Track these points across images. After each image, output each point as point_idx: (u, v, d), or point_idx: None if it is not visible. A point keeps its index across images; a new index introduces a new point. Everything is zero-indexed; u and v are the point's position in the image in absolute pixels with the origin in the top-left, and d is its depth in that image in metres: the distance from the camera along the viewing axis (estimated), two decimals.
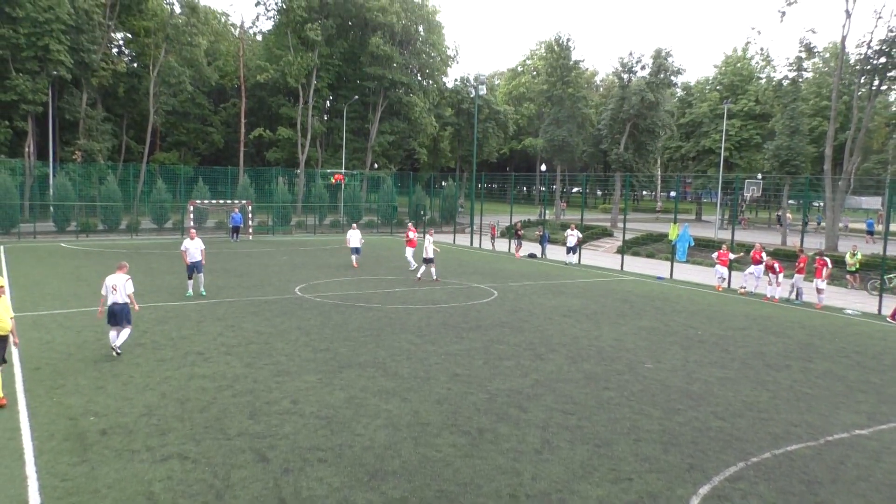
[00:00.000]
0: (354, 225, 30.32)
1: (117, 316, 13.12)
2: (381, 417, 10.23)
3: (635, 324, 18.20)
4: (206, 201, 43.32)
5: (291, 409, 10.47)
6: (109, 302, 13.05)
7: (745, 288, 24.88)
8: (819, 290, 22.52)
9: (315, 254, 32.45)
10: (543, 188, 74.25)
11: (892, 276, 26.48)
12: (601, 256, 37.54)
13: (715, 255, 26.61)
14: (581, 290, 24.35)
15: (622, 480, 8.35)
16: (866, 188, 57.01)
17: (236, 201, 43.31)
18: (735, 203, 32.51)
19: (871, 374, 13.90)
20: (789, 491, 8.25)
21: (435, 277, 25.39)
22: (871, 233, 47.88)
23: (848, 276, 28.66)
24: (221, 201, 43.54)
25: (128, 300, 13.20)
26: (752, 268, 24.80)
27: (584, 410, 10.89)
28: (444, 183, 59.00)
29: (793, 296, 23.54)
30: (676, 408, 11.20)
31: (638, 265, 32.84)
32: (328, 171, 53.80)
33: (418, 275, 25.54)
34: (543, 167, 64.21)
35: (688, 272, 30.31)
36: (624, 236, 33.53)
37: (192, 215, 41.49)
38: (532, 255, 36.12)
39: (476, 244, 41.62)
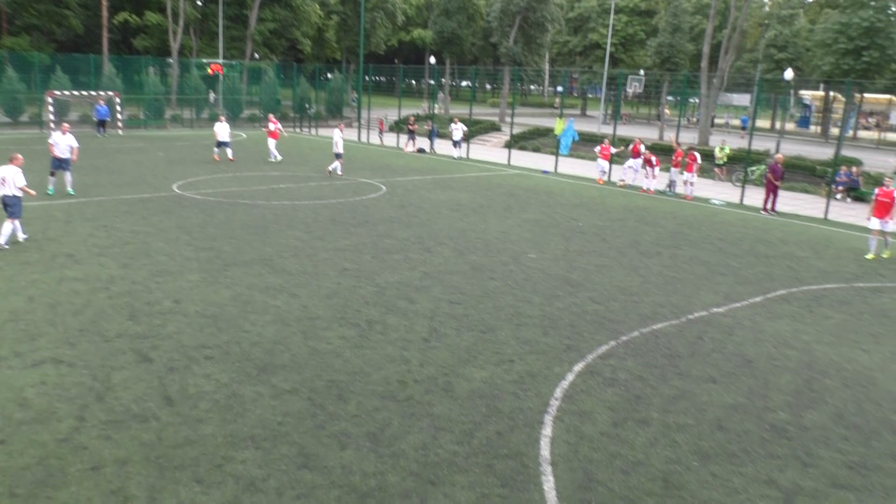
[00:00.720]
0: (222, 117, 29.33)
1: (8, 208, 13.35)
2: (270, 313, 10.19)
3: (520, 216, 18.76)
4: (66, 92, 39.74)
5: (174, 309, 10.23)
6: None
7: (623, 181, 26.03)
8: (689, 183, 23.91)
9: (193, 149, 30.86)
10: (433, 81, 73.19)
11: (754, 168, 28.48)
12: (489, 151, 37.93)
13: (597, 149, 27.50)
14: (469, 184, 24.65)
15: (505, 362, 8.83)
16: (737, 86, 59.93)
17: (101, 93, 40.01)
18: (618, 98, 33.37)
19: (731, 259, 15.14)
20: (654, 364, 9.04)
21: (340, 173, 25.24)
22: (745, 129, 50.93)
23: (716, 169, 30.55)
24: (84, 93, 40.10)
25: (18, 192, 13.30)
26: (630, 161, 25.89)
27: (470, 300, 11.29)
28: (329, 75, 56.80)
29: (667, 188, 24.90)
30: (556, 294, 11.82)
31: (524, 159, 33.49)
32: (204, 60, 50.38)
33: (329, 169, 25.33)
34: (433, 60, 62.97)
35: (572, 166, 31.26)
36: (511, 130, 33.91)
37: (51, 108, 38.09)
38: (421, 150, 35.94)
39: (364, 139, 40.90)
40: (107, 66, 45.89)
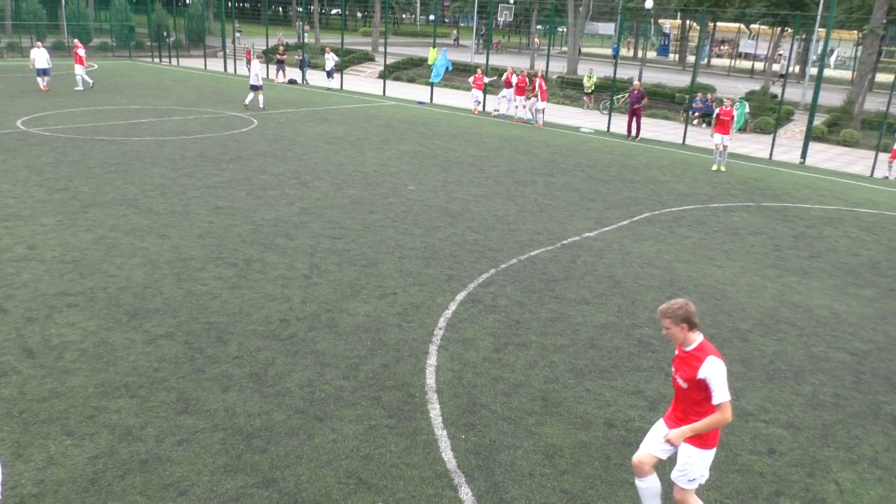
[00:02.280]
0: (39, 43, 27.50)
1: None
2: (138, 256, 9.62)
3: (398, 148, 18.58)
4: None
5: (29, 256, 9.41)
6: None
7: (497, 111, 26.28)
8: (538, 111, 24.35)
9: (33, 82, 28.03)
10: (301, 8, 69.92)
11: (619, 96, 29.53)
12: (363, 82, 37.02)
13: (471, 79, 27.46)
14: (344, 116, 24.05)
15: (388, 295, 8.84)
16: (602, 14, 61.41)
17: None
18: (489, 28, 33.30)
19: (600, 185, 15.78)
20: (531, 290, 9.36)
21: (262, 106, 24.28)
22: (616, 57, 52.17)
23: (585, 98, 31.45)
24: None
25: None
26: (504, 91, 26.10)
27: (350, 234, 11.15)
28: (188, 0, 52.82)
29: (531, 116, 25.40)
30: (437, 225, 11.90)
31: (400, 90, 32.99)
32: None
33: (246, 102, 24.34)
34: None
35: (447, 97, 31.15)
36: (385, 61, 33.17)
37: None
38: (293, 81, 34.52)
39: (231, 70, 38.70)
40: None
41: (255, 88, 24.64)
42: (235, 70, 38.14)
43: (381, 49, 39.71)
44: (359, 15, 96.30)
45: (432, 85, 30.07)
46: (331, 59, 31.61)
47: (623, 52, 52.84)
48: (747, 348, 8.12)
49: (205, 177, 14.34)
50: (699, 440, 4.56)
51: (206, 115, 22.53)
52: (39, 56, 26.40)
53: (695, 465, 4.61)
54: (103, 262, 9.35)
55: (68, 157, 15.47)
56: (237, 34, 52.22)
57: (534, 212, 13.15)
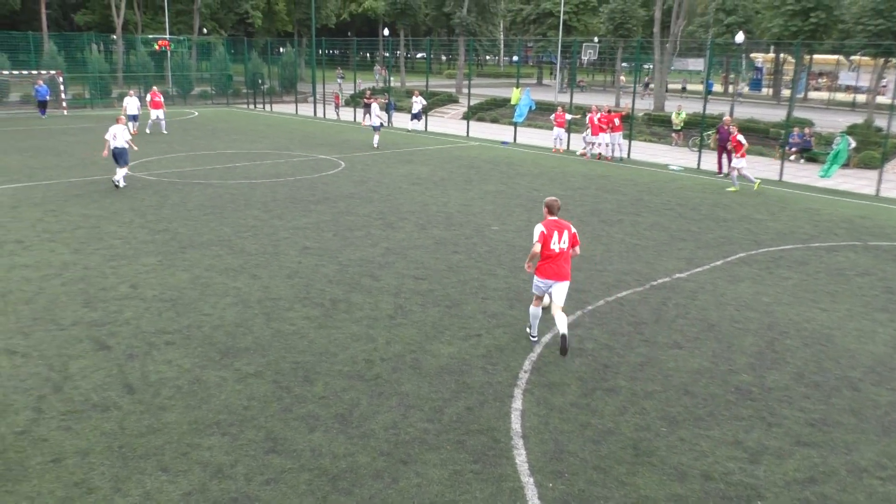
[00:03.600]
0: (132, 91, 30.05)
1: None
2: (230, 296, 9.98)
3: (482, 188, 18.69)
4: (5, 72, 38.13)
5: (131, 294, 9.94)
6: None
7: (586, 150, 26.05)
8: (610, 145, 24.21)
9: (143, 128, 29.96)
10: (387, 54, 72.13)
11: (709, 132, 28.74)
12: (447, 123, 37.67)
13: (552, 116, 27.44)
14: (429, 157, 24.47)
15: (472, 337, 8.80)
16: (690, 50, 60.47)
17: (42, 72, 38.46)
18: (573, 66, 33.37)
19: (691, 224, 15.33)
20: (620, 332, 9.10)
21: (375, 143, 26.28)
22: (710, 93, 50.85)
23: (673, 135, 30.83)
24: (25, 72, 38.50)
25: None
26: (588, 131, 25.91)
27: (434, 275, 11.22)
28: (282, 49, 55.57)
29: (617, 153, 25.03)
30: (521, 266, 11.81)
31: (483, 130, 33.35)
32: (150, 36, 48.79)
33: (374, 144, 26.47)
34: (386, 32, 62.04)
35: (531, 136, 31.24)
36: (469, 102, 33.66)
37: None
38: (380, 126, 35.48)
39: (320, 114, 40.23)
40: (47, 43, 44.12)
41: (376, 129, 26.58)
42: (325, 114, 39.59)
43: (465, 90, 40.40)
44: (443, 58, 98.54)
45: (516, 125, 30.25)
46: (418, 102, 32.30)
47: (714, 87, 51.75)
48: (858, 398, 7.59)
49: (294, 218, 14.83)
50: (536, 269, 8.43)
51: (296, 158, 23.43)
52: (131, 104, 28.48)
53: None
54: (198, 301, 9.75)
55: (169, 199, 16.37)
56: (339, 80, 54.36)
57: (621, 252, 12.89)
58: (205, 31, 60.78)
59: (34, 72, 38.57)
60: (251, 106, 45.51)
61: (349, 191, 17.92)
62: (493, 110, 40.36)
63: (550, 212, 8.47)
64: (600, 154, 24.88)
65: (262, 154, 24.15)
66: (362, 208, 15.91)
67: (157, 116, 29.62)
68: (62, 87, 38.70)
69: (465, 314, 9.54)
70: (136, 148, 19.66)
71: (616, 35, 49.57)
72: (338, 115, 39.28)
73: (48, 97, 36.45)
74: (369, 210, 15.75)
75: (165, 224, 14.07)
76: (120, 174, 17.49)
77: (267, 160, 22.80)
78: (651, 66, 55.77)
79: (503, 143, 29.19)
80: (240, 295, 10.05)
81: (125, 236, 13.10)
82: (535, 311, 8.66)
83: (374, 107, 27.43)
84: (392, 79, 43.00)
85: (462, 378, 7.70)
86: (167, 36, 48.61)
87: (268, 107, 44.29)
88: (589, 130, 25.68)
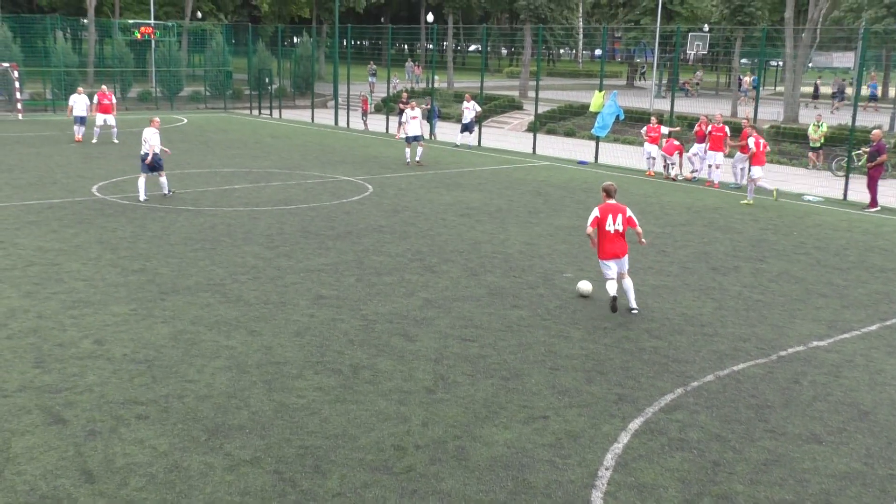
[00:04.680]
0: (80, 89, 31.25)
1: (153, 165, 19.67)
2: (222, 357, 10.14)
3: (551, 222, 18.71)
4: None
5: (95, 352, 10.18)
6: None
7: (695, 172, 25.91)
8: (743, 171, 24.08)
9: (118, 138, 30.97)
10: (431, 46, 73.47)
11: (858, 152, 27.97)
12: (507, 136, 37.99)
13: (643, 129, 27.43)
14: (482, 180, 24.64)
15: (536, 419, 8.74)
16: (834, 41, 59.98)
17: None
18: (676, 64, 33.42)
19: (834, 274, 15.04)
20: (735, 419, 8.93)
21: (418, 159, 27.22)
22: (874, 98, 50.02)
23: (811, 154, 30.35)
24: None
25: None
26: (695, 147, 25.84)
27: (487, 335, 11.22)
28: (296, 39, 57.11)
29: (742, 180, 24.81)
30: (602, 326, 11.73)
31: (555, 146, 33.53)
32: (130, 21, 50.74)
33: (412, 159, 27.37)
34: (430, 17, 63.31)
35: (618, 154, 31.28)
36: (536, 109, 33.96)
37: None
38: (417, 137, 35.93)
39: (342, 123, 41.04)
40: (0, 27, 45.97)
41: (411, 141, 27.23)
42: (348, 123, 40.35)
43: (532, 94, 40.78)
44: (503, 52, 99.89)
45: (597, 139, 30.35)
46: (470, 110, 32.64)
47: (867, 90, 51.02)
48: None
49: (306, 257, 15.05)
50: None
51: (310, 179, 23.86)
52: (79, 103, 29.79)
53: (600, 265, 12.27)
54: (181, 364, 9.92)
55: (147, 230, 16.80)
56: (371, 78, 55.21)
57: (737, 310, 12.72)
58: (199, 15, 62.95)
59: None
60: (255, 112, 46.71)
61: (378, 223, 18.14)
62: (567, 120, 40.62)
63: (608, 195, 12.26)
64: (712, 180, 24.75)
65: (268, 174, 24.65)
66: (395, 246, 16.07)
67: (106, 121, 30.69)
68: (17, 84, 40.17)
69: (528, 389, 9.49)
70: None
71: (733, 22, 49.60)
72: (365, 124, 40.01)
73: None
74: (403, 249, 15.90)
75: (142, 262, 14.42)
76: (162, 183, 20.24)
77: (273, 181, 23.26)
78: (780, 63, 55.20)
79: (580, 162, 29.26)
80: (234, 357, 10.18)
81: (90, 277, 13.46)
82: (611, 284, 12.16)
83: (409, 112, 27.95)
84: (437, 78, 43.60)
85: (522, 474, 7.64)
86: (151, 21, 50.46)
87: (276, 113, 45.39)
88: (697, 147, 25.58)
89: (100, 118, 30.64)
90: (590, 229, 12.06)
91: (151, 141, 19.58)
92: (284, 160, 27.67)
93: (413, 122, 27.80)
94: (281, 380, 9.54)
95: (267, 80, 47.51)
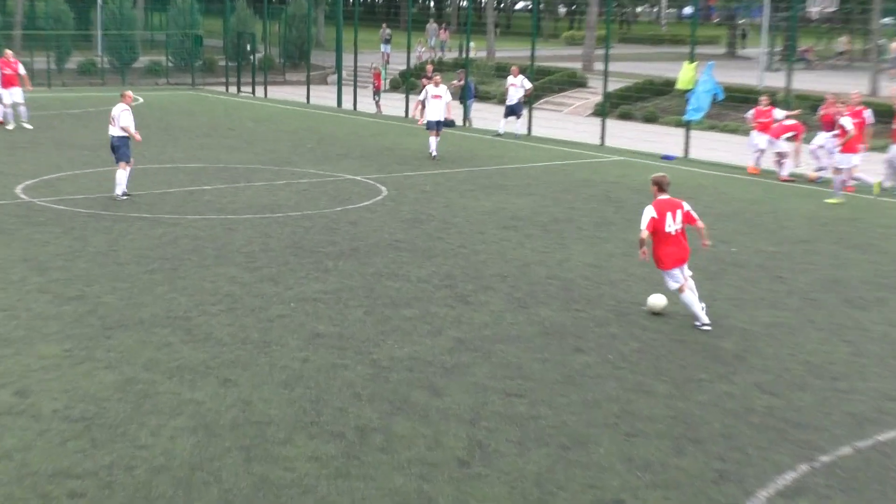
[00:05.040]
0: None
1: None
2: (185, 414, 10.10)
3: (626, 237, 18.57)
4: None
5: (17, 407, 10.17)
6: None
7: (821, 172, 25.52)
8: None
9: (52, 122, 31.30)
10: (465, 3, 73.66)
11: None
12: (566, 122, 37.92)
13: (750, 113, 27.13)
14: (533, 181, 24.57)
15: (607, 503, 8.61)
16: None
17: None
18: (793, 26, 33.17)
19: None
20: None
21: (435, 153, 27.52)
22: None
23: None
24: None
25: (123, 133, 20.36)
26: (820, 136, 25.54)
27: (540, 388, 11.11)
28: None
29: (888, 182, 24.54)
30: (696, 377, 11.59)
31: (630, 135, 33.42)
32: None
33: (432, 151, 27.58)
34: None
35: (714, 145, 31.09)
36: (606, 86, 33.83)
37: None
38: (448, 123, 35.97)
39: (347, 104, 41.20)
40: None
41: (433, 128, 27.37)
42: (356, 104, 40.47)
43: (600, 66, 40.72)
44: (561, 11, 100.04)
45: (688, 125, 30.17)
46: (518, 87, 32.57)
47: None
48: None
49: (298, 282, 15.03)
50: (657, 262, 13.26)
51: (305, 178, 23.91)
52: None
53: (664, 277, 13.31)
54: (130, 423, 9.86)
55: (89, 245, 16.87)
56: (384, 47, 54.64)
57: (882, 357, 12.55)
58: None
59: None
60: (233, 89, 47.09)
61: (394, 237, 18.12)
62: (646, 100, 40.53)
63: (661, 189, 13.36)
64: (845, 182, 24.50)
65: (249, 170, 24.74)
66: (416, 268, 16.03)
67: (14, 100, 30.77)
68: None
69: (595, 462, 9.37)
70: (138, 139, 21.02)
71: None
72: (378, 105, 40.15)
73: None
74: (428, 272, 15.85)
75: (80, 286, 14.46)
76: (119, 179, 20.48)
77: (256, 181, 23.32)
78: None
79: (665, 157, 29.11)
80: (201, 414, 10.13)
81: (12, 306, 13.49)
82: (689, 296, 13.18)
83: (430, 89, 28.14)
84: (472, 46, 43.67)
85: None
86: None
87: (260, 90, 45.74)
88: (824, 138, 25.26)
89: (7, 95, 30.69)
90: (645, 233, 13.00)
91: (122, 121, 20.19)
92: (270, 153, 27.79)
93: (435, 102, 27.77)
94: (263, 446, 9.46)
95: (248, 47, 47.89)
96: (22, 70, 31.51)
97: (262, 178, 23.71)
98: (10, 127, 30.65)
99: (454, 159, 27.48)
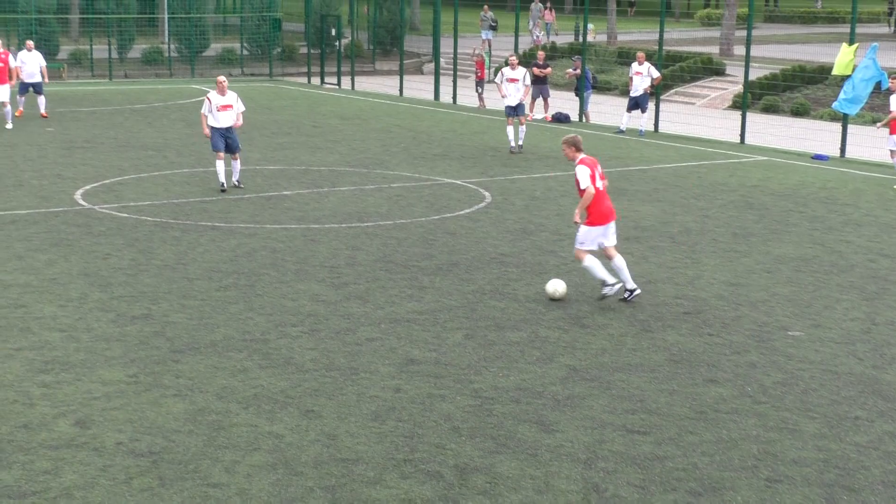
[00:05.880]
0: (30, 44, 32.55)
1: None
2: (263, 450, 10.23)
3: (768, 250, 18.41)
4: None
5: (76, 439, 10.40)
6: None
7: None
8: None
9: (115, 118, 31.96)
10: None
11: None
12: (700, 115, 37.57)
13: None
14: (658, 185, 24.44)
15: None
16: None
17: None
18: None
19: None
20: None
21: (517, 144, 28.74)
22: None
23: None
24: None
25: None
26: None
27: (666, 425, 11.07)
28: None
29: None
30: (851, 415, 11.43)
31: (776, 132, 33.02)
32: None
33: (516, 142, 28.79)
34: None
35: (880, 143, 30.51)
36: (747, 74, 33.46)
37: None
38: (561, 117, 35.98)
39: (446, 97, 41.32)
40: None
41: (513, 113, 27.86)
42: (455, 97, 40.54)
43: (740, 51, 40.29)
44: None
45: (844, 118, 29.72)
46: (644, 76, 32.37)
47: None
48: None
49: (389, 301, 15.17)
50: (586, 219, 15.01)
51: (397, 182, 24.07)
52: (30, 62, 30.92)
53: (580, 234, 15.04)
54: (202, 459, 10.03)
55: (155, 257, 17.24)
56: (486, 34, 54.11)
57: None
58: None
59: None
60: (316, 80, 47.43)
61: (499, 249, 18.20)
62: (796, 90, 39.98)
63: (578, 149, 15.51)
64: None
65: (334, 173, 24.99)
66: (524, 286, 16.09)
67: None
68: None
69: None
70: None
71: None
72: (481, 98, 40.22)
73: None
74: (538, 289, 15.87)
75: (146, 304, 14.78)
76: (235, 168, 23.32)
77: (342, 185, 23.56)
78: None
79: (816, 157, 28.73)
80: (281, 449, 10.26)
81: (70, 326, 13.83)
82: (592, 260, 15.06)
83: (506, 72, 28.78)
84: (591, 28, 43.50)
85: None
86: None
87: (347, 82, 46.05)
88: None
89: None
90: (591, 188, 15.01)
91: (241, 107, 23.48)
92: (358, 153, 28.02)
93: (511, 87, 28.01)
94: (350, 486, 9.55)
95: (333, 32, 48.13)
96: (7, 60, 31.40)
97: (349, 182, 23.92)
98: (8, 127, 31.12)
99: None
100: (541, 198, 22.58)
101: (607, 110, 36.53)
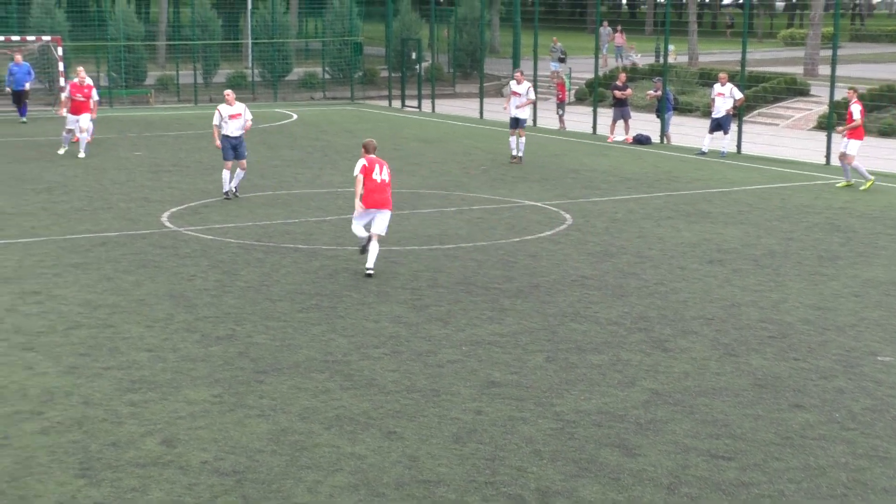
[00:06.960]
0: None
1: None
2: (345, 470, 10.29)
3: (857, 275, 18.21)
4: None
5: (163, 457, 10.54)
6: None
7: None
8: None
9: (199, 142, 32.36)
10: None
11: None
12: (785, 137, 37.25)
13: None
14: (743, 207, 24.25)
15: None
16: None
17: (27, 39, 42.55)
18: None
19: None
20: None
21: (518, 154, 30.12)
22: None
23: None
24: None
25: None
26: None
27: (752, 451, 10.97)
28: None
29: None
30: None
31: (863, 153, 32.56)
32: None
33: (513, 151, 30.01)
34: None
35: None
36: (832, 95, 33.15)
37: None
38: (643, 139, 35.85)
39: (529, 119, 41.33)
40: None
41: (517, 124, 29.10)
42: (536, 119, 40.51)
43: (826, 71, 39.90)
44: (779, 5, 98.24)
45: None
46: (726, 97, 32.17)
47: None
48: None
49: (470, 323, 15.22)
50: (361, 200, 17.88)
51: (477, 204, 24.13)
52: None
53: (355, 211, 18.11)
54: (285, 479, 10.11)
55: (238, 278, 17.46)
56: (555, 65, 53.81)
57: None
58: None
59: (12, 38, 42.50)
60: (396, 103, 47.70)
61: (580, 272, 18.17)
62: (883, 111, 39.51)
63: (367, 151, 17.72)
64: None
65: (415, 195, 25.12)
66: (605, 308, 16.04)
67: (80, 126, 31.11)
68: (60, 67, 42.31)
69: None
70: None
71: None
72: (561, 120, 40.20)
73: (29, 83, 39.82)
74: (619, 312, 15.84)
75: (230, 325, 14.98)
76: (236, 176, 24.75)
77: (423, 208, 23.67)
78: None
79: None
80: (362, 470, 10.30)
81: (158, 346, 14.05)
82: (358, 228, 17.91)
83: (512, 85, 30.32)
84: (671, 49, 43.27)
85: None
86: None
87: (427, 104, 46.26)
88: None
89: (71, 120, 31.21)
90: (361, 178, 17.49)
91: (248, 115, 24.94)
92: (439, 176, 28.14)
93: (514, 100, 29.62)
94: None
95: (414, 55, 48.40)
96: (95, 95, 31.80)
97: (430, 205, 24.03)
98: (62, 151, 31.52)
99: (650, 182, 27.32)
100: (622, 220, 22.51)
101: (688, 132, 36.34)
